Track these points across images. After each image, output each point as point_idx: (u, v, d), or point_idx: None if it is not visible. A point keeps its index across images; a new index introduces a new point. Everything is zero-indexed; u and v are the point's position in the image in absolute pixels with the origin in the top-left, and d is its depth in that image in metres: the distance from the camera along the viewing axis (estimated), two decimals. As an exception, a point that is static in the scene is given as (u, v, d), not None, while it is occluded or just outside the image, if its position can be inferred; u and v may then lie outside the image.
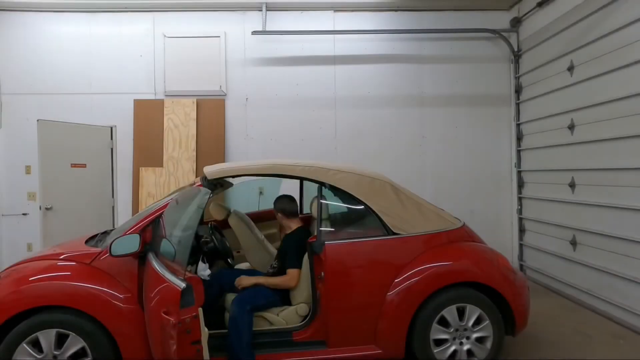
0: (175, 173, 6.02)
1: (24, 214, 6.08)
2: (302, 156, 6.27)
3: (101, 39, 6.22)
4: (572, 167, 5.05)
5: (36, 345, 2.83)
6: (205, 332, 2.48)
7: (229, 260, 3.68)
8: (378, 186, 3.37)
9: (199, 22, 6.28)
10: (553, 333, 4.07)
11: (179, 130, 6.08)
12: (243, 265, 4.26)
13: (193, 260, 3.38)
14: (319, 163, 3.41)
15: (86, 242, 3.46)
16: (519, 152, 6.29)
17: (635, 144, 4.12)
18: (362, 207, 3.30)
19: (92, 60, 6.21)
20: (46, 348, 2.83)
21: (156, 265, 2.59)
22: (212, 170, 3.32)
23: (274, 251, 4.17)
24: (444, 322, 3.18)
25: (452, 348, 3.19)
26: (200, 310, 2.40)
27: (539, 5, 5.62)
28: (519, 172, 6.30)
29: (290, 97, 6.33)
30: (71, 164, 5.65)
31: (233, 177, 3.53)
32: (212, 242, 3.60)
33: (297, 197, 5.29)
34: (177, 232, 2.89)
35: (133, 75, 6.24)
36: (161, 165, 6.04)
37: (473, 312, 3.20)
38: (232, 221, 3.96)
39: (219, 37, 6.23)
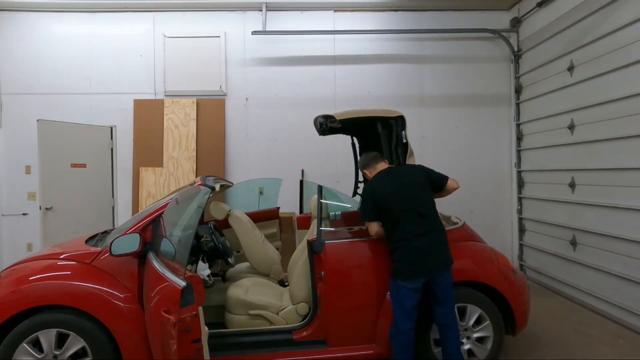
0: (175, 173, 6.02)
1: (24, 214, 6.08)
2: (302, 156, 6.28)
3: (101, 39, 6.22)
4: (572, 167, 5.05)
5: (36, 345, 2.84)
6: (205, 330, 2.48)
7: (229, 260, 3.68)
8: None
9: (199, 22, 6.28)
10: (553, 333, 4.07)
11: (179, 130, 6.08)
12: (243, 265, 4.26)
13: (193, 260, 3.38)
14: None
15: (86, 241, 3.46)
16: (519, 152, 6.29)
17: (635, 144, 4.12)
18: None
19: (92, 60, 6.22)
20: (46, 348, 2.83)
21: (156, 264, 2.59)
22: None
23: (274, 251, 4.18)
24: (444, 322, 3.18)
25: (453, 348, 3.19)
26: (200, 309, 2.40)
27: (539, 5, 5.62)
28: (519, 172, 6.30)
29: (290, 97, 6.34)
30: (71, 164, 5.65)
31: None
32: (212, 241, 3.60)
33: (297, 197, 5.34)
34: (177, 232, 2.89)
35: (133, 75, 6.24)
36: (161, 165, 6.04)
37: (474, 312, 3.20)
38: (232, 221, 3.96)
39: (219, 37, 6.23)
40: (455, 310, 3.07)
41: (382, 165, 3.24)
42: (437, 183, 3.15)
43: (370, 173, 3.24)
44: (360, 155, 4.42)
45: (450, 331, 2.98)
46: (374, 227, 3.06)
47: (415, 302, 2.93)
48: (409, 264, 2.91)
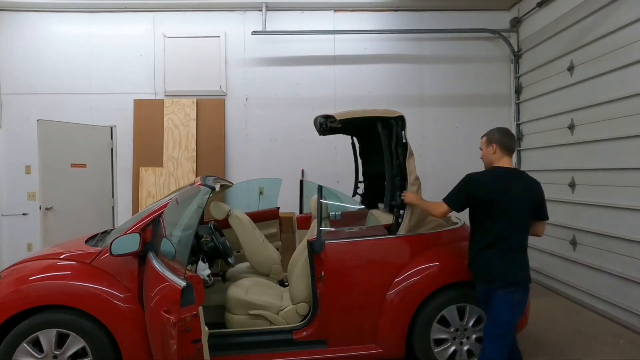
0: (175, 173, 6.02)
1: (24, 214, 6.08)
2: (302, 156, 6.28)
3: (101, 39, 6.22)
4: (572, 167, 5.05)
5: (36, 345, 2.84)
6: (205, 330, 2.48)
7: (229, 260, 3.68)
8: None
9: (199, 22, 6.28)
10: (553, 333, 4.06)
11: (179, 130, 6.08)
12: (243, 265, 4.26)
13: (193, 260, 3.38)
14: None
15: (86, 241, 3.46)
16: (519, 152, 6.29)
17: (635, 144, 4.12)
18: None
19: (92, 60, 6.22)
20: (46, 348, 2.83)
21: (156, 264, 2.59)
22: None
23: (274, 251, 4.18)
24: (444, 322, 3.18)
25: (452, 348, 3.19)
26: (200, 309, 2.40)
27: (539, 5, 5.62)
28: (519, 172, 6.29)
29: (290, 97, 6.34)
30: (71, 164, 5.65)
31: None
32: (212, 241, 3.60)
33: (297, 197, 5.33)
34: (177, 232, 2.89)
35: (133, 75, 6.24)
36: (161, 165, 6.04)
37: (473, 312, 3.20)
38: (232, 221, 3.96)
39: (219, 37, 6.23)
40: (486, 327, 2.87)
41: (506, 162, 2.91)
42: (539, 213, 2.94)
43: (493, 152, 2.91)
44: (360, 156, 4.41)
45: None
46: (445, 208, 2.95)
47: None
48: (504, 265, 2.89)
